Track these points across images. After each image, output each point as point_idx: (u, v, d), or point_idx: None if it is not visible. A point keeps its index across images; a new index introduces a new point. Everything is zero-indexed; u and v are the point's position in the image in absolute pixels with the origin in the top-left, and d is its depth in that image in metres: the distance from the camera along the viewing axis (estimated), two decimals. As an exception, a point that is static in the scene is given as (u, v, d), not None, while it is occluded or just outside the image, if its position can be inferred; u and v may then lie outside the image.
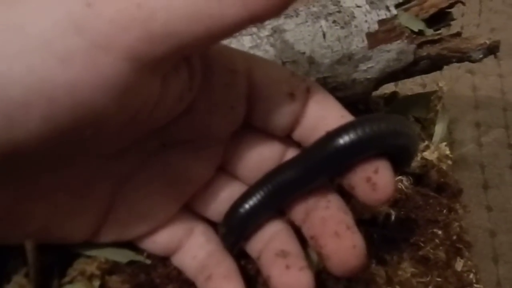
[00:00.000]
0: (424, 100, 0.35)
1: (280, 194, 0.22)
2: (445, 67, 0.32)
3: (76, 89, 0.15)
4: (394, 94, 0.36)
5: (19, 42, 0.15)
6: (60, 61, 0.15)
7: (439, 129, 0.34)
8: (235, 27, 0.17)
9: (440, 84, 0.35)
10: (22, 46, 0.14)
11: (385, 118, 0.20)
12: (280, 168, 0.22)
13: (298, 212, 0.22)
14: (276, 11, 0.17)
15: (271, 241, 0.22)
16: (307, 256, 0.22)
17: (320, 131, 0.21)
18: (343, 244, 0.20)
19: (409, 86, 0.45)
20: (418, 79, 0.46)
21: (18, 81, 0.14)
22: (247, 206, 0.22)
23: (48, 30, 0.15)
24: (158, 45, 0.16)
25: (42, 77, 0.15)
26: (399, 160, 0.21)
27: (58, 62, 0.15)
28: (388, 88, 0.37)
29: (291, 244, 0.22)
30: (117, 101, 0.16)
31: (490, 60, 0.39)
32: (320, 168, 0.21)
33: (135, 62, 0.15)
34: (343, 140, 0.20)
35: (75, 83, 0.15)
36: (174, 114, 0.20)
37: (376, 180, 0.20)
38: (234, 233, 0.23)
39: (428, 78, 0.46)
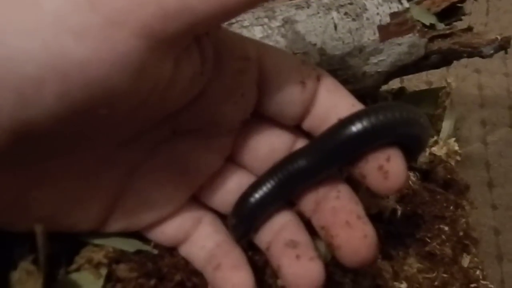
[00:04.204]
0: (432, 96, 0.35)
1: (291, 184, 0.22)
2: (451, 65, 0.32)
3: (90, 65, 0.15)
4: (402, 89, 0.36)
5: (34, 18, 0.14)
6: (75, 37, 0.14)
7: (446, 125, 0.34)
8: (250, 3, 0.17)
9: (449, 80, 0.34)
10: (37, 22, 0.14)
11: (398, 106, 0.20)
12: (291, 157, 0.22)
13: (308, 202, 0.22)
14: None
15: (280, 231, 0.22)
16: (316, 248, 0.22)
17: (330, 120, 0.21)
18: (354, 233, 0.20)
19: (415, 83, 0.45)
20: (423, 76, 0.46)
21: (32, 57, 0.14)
22: (257, 196, 0.22)
23: (63, 6, 0.14)
24: (172, 22, 0.15)
25: (56, 53, 0.14)
26: (410, 149, 0.21)
27: (72, 38, 0.14)
28: (394, 85, 0.37)
29: (300, 234, 0.22)
30: (131, 79, 0.16)
31: (496, 59, 0.39)
32: (332, 156, 0.21)
33: (149, 39, 0.15)
34: (357, 127, 0.19)
35: (89, 60, 0.15)
36: (185, 100, 0.19)
37: (388, 168, 0.20)
38: (244, 223, 0.22)
39: (434, 75, 0.46)
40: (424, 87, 0.45)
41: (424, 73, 0.36)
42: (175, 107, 0.19)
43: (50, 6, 0.14)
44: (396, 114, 0.20)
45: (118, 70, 0.15)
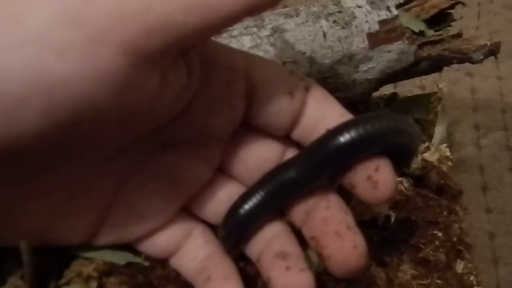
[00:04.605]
0: (424, 101, 0.35)
1: (280, 195, 0.22)
2: (444, 69, 0.32)
3: (73, 82, 0.15)
4: (394, 95, 0.36)
5: (16, 35, 0.14)
6: (57, 54, 0.14)
7: (439, 130, 0.34)
8: (233, 18, 0.17)
9: (440, 86, 0.34)
10: (19, 39, 0.14)
11: (387, 116, 0.20)
12: (280, 168, 0.22)
13: (298, 213, 0.22)
14: (273, 2, 0.17)
15: (270, 242, 0.22)
16: (307, 258, 0.22)
17: (319, 130, 0.21)
18: (344, 244, 0.20)
19: (408, 88, 0.45)
20: (417, 81, 0.46)
21: (15, 74, 0.14)
22: (247, 207, 0.22)
23: (45, 23, 0.14)
24: (156, 38, 0.15)
25: (39, 70, 0.14)
26: (400, 158, 0.21)
27: (55, 55, 0.14)
28: (387, 90, 0.37)
29: (291, 245, 0.22)
30: (115, 95, 0.16)
31: (488, 63, 0.39)
32: (321, 167, 0.21)
33: (133, 55, 0.15)
34: (345, 138, 0.19)
35: (73, 77, 0.15)
36: (173, 113, 0.19)
37: (377, 178, 0.20)
38: (234, 235, 0.22)
39: (427, 80, 0.46)
40: (417, 91, 0.45)
41: (417, 77, 0.36)
42: (162, 120, 0.19)
43: (32, 23, 0.14)
44: (384, 124, 0.20)
45: (102, 87, 0.15)
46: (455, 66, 0.32)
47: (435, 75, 0.38)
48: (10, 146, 0.15)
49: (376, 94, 0.34)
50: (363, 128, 0.20)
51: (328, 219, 0.21)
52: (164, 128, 0.20)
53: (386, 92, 0.37)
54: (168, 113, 0.19)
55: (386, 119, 0.20)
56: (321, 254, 0.20)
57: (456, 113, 0.44)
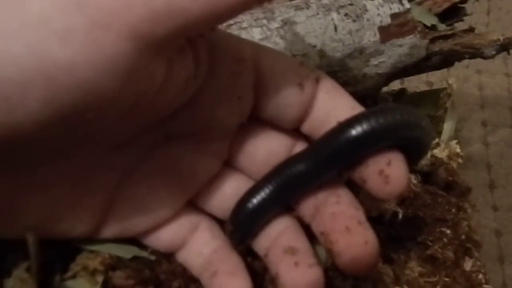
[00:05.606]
0: (433, 97, 0.34)
1: (289, 189, 0.21)
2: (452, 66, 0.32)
3: (76, 69, 0.14)
4: (402, 90, 0.36)
5: (18, 20, 0.14)
6: (60, 40, 0.14)
7: (448, 127, 0.33)
8: (242, 5, 0.16)
9: (450, 81, 0.34)
10: (21, 24, 0.14)
11: (399, 109, 0.20)
12: (290, 161, 0.21)
13: (308, 207, 0.22)
14: None
15: (279, 237, 0.22)
16: (315, 254, 0.22)
17: (329, 123, 0.20)
18: (354, 240, 0.19)
19: (415, 84, 0.45)
20: (424, 77, 0.45)
21: (17, 60, 0.14)
22: (255, 201, 0.21)
23: (48, 7, 0.14)
24: (162, 24, 0.15)
25: (41, 56, 0.14)
26: (412, 153, 0.21)
27: (58, 40, 0.14)
28: (395, 85, 0.37)
29: (299, 241, 0.21)
30: (119, 82, 0.15)
31: (497, 59, 0.38)
32: (332, 161, 0.20)
33: (138, 41, 0.15)
34: (356, 131, 0.19)
35: (76, 63, 0.14)
36: (179, 103, 0.19)
37: (389, 172, 0.19)
38: (242, 229, 0.22)
39: (434, 76, 0.45)
40: (424, 87, 0.44)
41: (424, 73, 0.36)
42: (168, 111, 0.19)
43: (35, 8, 0.14)
44: (397, 117, 0.19)
45: (105, 74, 0.15)
46: (464, 62, 0.32)
47: (443, 72, 0.38)
48: (11, 135, 0.15)
49: (384, 89, 0.33)
50: (375, 121, 0.19)
51: (338, 214, 0.20)
52: (169, 120, 0.20)
53: (394, 88, 0.37)
54: (174, 104, 0.19)
55: (398, 112, 0.20)
56: (331, 250, 0.20)
57: (463, 110, 0.44)
